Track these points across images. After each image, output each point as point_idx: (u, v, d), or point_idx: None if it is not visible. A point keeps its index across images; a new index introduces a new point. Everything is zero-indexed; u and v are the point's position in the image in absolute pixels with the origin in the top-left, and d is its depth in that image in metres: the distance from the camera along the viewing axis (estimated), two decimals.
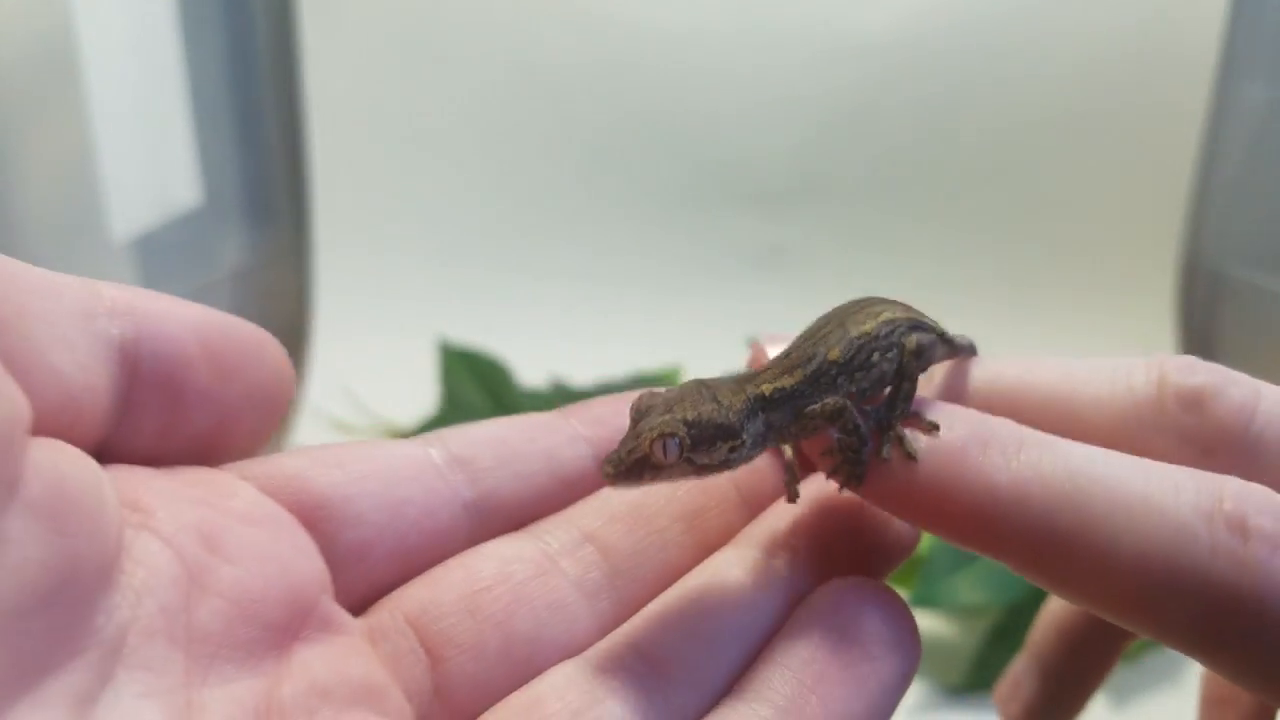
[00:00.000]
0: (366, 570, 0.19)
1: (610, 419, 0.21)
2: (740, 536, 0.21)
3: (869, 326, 0.20)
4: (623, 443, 0.18)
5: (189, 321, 0.18)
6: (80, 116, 0.52)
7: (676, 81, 0.63)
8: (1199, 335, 0.62)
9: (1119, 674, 0.43)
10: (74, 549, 0.14)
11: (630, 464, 0.18)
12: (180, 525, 0.17)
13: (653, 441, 0.18)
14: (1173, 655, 0.43)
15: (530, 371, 0.58)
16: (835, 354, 0.20)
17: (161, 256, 0.55)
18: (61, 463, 0.15)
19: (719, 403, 0.19)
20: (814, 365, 0.20)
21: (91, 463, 0.16)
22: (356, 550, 0.19)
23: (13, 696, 0.14)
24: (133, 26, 0.52)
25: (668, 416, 0.18)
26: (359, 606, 0.19)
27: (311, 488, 0.19)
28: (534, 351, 0.59)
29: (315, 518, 0.19)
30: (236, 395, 0.18)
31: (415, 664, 0.18)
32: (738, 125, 0.63)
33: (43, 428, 0.15)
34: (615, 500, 0.21)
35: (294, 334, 0.63)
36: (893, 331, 0.20)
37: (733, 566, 0.20)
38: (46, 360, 0.16)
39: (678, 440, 0.18)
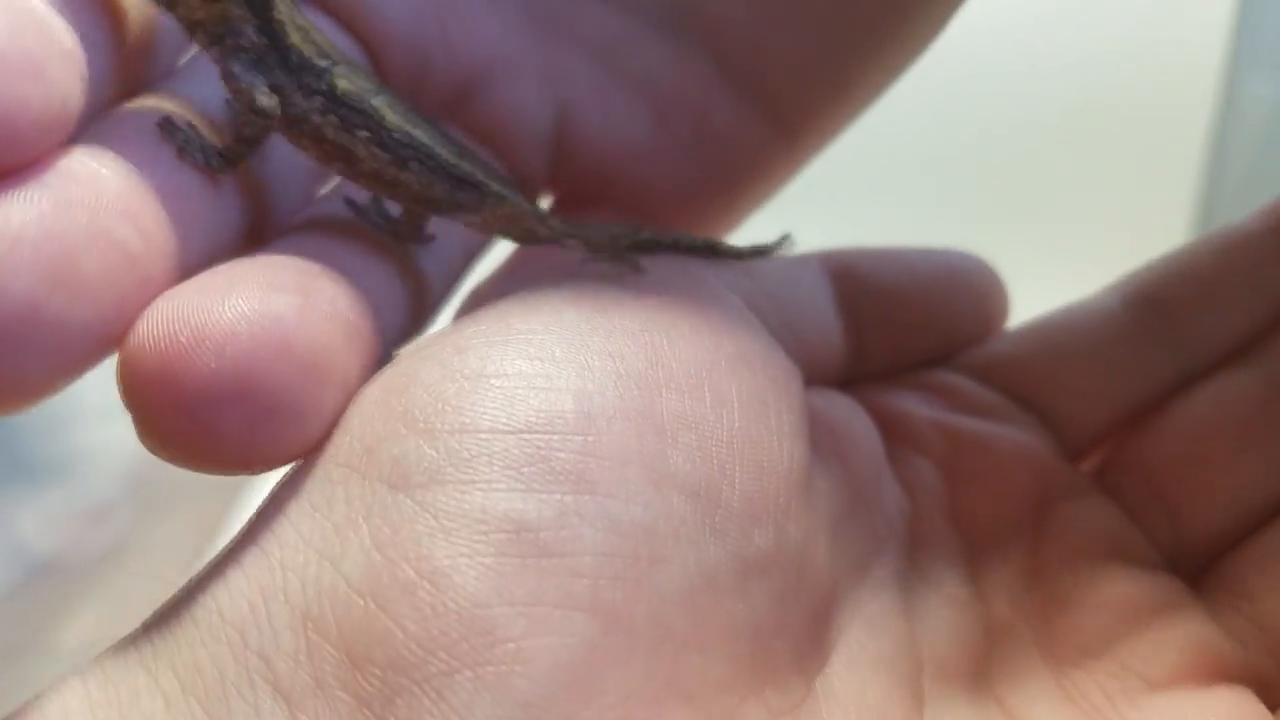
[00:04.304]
0: (1087, 424, 0.21)
1: None
2: None
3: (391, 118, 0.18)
4: None
5: (900, 265, 0.22)
6: None
7: None
8: None
9: None
10: (854, 469, 0.18)
11: None
12: (932, 425, 0.20)
13: None
14: None
15: None
16: (344, 85, 0.17)
17: None
18: (828, 404, 0.19)
19: None
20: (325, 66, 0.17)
21: (844, 398, 0.20)
22: (1080, 417, 0.21)
23: (855, 581, 0.17)
24: None
25: None
26: (1081, 449, 0.21)
27: (1031, 371, 0.21)
28: None
29: (1033, 397, 0.21)
30: (952, 317, 0.22)
31: (1155, 513, 0.19)
32: None
33: (810, 379, 0.19)
34: None
35: None
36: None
37: None
38: (799, 330, 0.19)
39: None
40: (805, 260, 0.22)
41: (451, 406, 0.14)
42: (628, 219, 0.22)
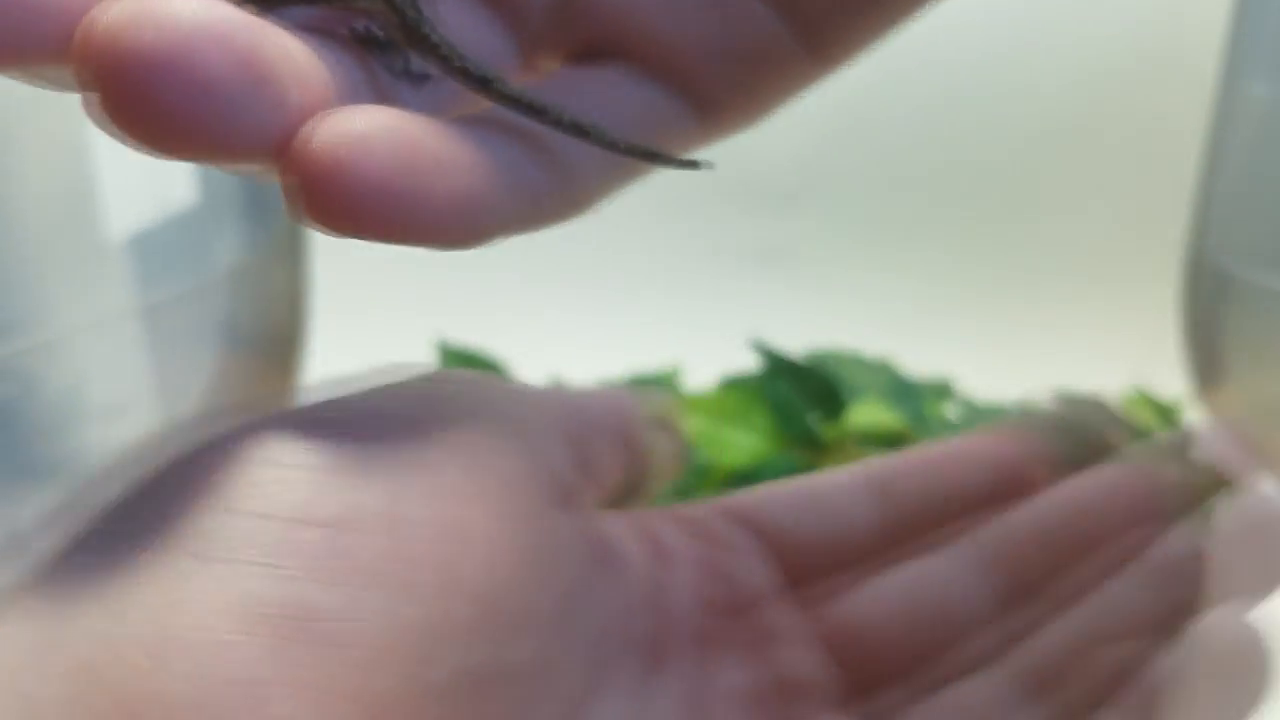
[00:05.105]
0: (802, 575, 0.23)
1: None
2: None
3: None
4: None
5: (606, 407, 0.23)
6: (76, 113, 0.52)
7: None
8: (1204, 336, 0.61)
9: None
10: (625, 584, 0.20)
11: None
12: (688, 546, 0.23)
13: None
14: None
15: (529, 372, 0.58)
16: None
17: (158, 255, 0.55)
18: (608, 523, 0.21)
19: None
20: None
21: (621, 518, 0.22)
22: (793, 561, 0.23)
23: (602, 691, 0.19)
24: None
25: None
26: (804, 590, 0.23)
27: (762, 514, 0.24)
28: (533, 352, 0.59)
29: (757, 529, 0.23)
30: (638, 456, 0.23)
31: (844, 658, 0.22)
32: None
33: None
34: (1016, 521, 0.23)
35: (290, 333, 0.63)
36: None
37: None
38: (590, 459, 0.21)
39: None
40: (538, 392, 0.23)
41: (265, 493, 0.15)
42: (635, 80, 0.21)
